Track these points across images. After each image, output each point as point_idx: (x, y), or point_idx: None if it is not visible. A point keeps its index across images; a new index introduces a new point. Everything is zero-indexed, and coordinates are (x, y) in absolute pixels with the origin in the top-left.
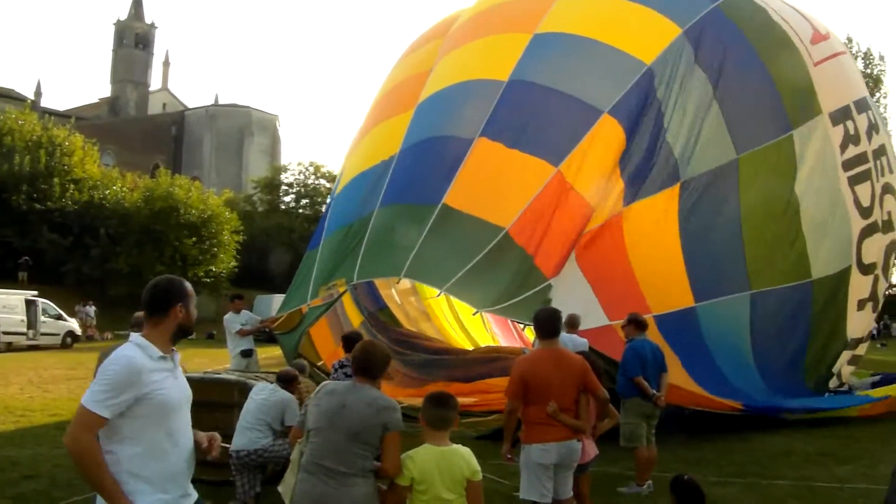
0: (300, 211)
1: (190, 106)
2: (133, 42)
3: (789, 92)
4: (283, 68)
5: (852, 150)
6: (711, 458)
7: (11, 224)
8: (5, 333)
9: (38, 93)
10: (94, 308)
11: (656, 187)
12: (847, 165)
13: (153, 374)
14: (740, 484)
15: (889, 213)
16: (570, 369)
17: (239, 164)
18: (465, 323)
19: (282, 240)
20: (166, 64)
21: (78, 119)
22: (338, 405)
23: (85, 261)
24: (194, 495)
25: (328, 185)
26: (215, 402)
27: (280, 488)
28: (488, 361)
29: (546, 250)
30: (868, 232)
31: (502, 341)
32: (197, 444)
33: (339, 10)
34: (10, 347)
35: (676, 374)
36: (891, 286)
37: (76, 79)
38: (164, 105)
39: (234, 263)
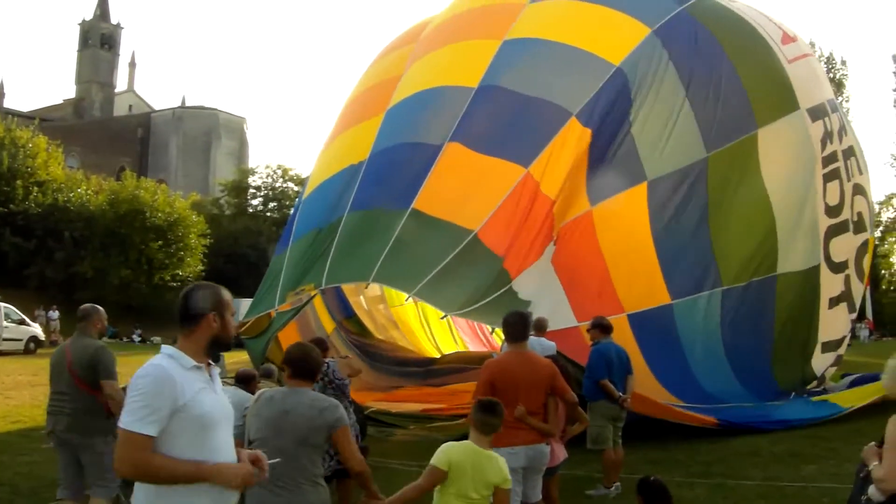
0: (268, 214)
1: (156, 108)
2: (98, 42)
3: (759, 89)
4: (250, 70)
5: (829, 148)
6: (679, 458)
7: None
8: None
9: (0, 93)
10: (57, 313)
11: (624, 185)
12: (824, 162)
13: (187, 384)
14: (707, 484)
15: (860, 214)
16: (539, 373)
17: (206, 166)
18: (433, 330)
19: (249, 243)
20: (132, 65)
21: (42, 120)
22: (280, 412)
23: (49, 264)
24: None
25: (296, 188)
26: None
27: None
28: (456, 372)
29: (516, 252)
30: (836, 231)
31: (471, 346)
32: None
33: (307, 12)
34: None
35: (644, 379)
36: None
37: (40, 79)
38: (130, 107)
39: (200, 267)
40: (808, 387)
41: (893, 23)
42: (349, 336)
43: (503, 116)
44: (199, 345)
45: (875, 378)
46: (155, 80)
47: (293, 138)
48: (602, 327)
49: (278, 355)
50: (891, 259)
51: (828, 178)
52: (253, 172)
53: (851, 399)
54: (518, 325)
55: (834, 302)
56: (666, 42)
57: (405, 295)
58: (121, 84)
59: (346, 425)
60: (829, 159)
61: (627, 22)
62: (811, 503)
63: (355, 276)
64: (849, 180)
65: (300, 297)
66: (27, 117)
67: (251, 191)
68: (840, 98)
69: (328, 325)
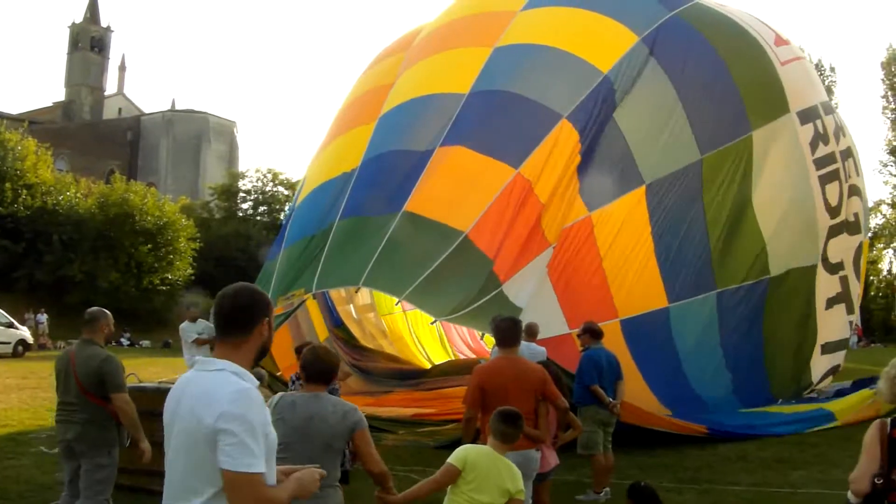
0: (258, 218)
1: (146, 111)
2: (88, 45)
3: (751, 90)
4: (241, 74)
5: (823, 149)
6: (668, 463)
7: None
8: None
9: None
10: (46, 316)
11: (622, 189)
12: (818, 164)
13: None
14: (696, 490)
15: (856, 215)
16: (529, 378)
17: (196, 170)
18: (421, 340)
19: (239, 247)
20: (122, 68)
21: (31, 123)
22: (306, 418)
23: (38, 267)
24: None
25: (286, 192)
26: None
27: None
28: (446, 376)
29: (506, 254)
30: (835, 231)
31: (461, 354)
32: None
33: (298, 17)
34: None
35: (635, 386)
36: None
37: (29, 82)
38: (120, 110)
39: (190, 271)
40: (804, 394)
41: (881, 30)
42: (341, 346)
43: (493, 116)
44: (250, 356)
45: (861, 386)
46: (145, 83)
47: (283, 142)
48: (592, 333)
49: (268, 360)
50: (879, 265)
51: (827, 178)
52: (243, 176)
53: (841, 407)
54: (510, 331)
55: (831, 303)
56: (655, 48)
57: (395, 300)
58: (110, 87)
59: (366, 427)
60: (827, 160)
61: (616, 29)
62: None
63: (346, 280)
64: (846, 181)
65: (291, 302)
66: (16, 120)
67: (241, 194)
68: None
69: (322, 332)
